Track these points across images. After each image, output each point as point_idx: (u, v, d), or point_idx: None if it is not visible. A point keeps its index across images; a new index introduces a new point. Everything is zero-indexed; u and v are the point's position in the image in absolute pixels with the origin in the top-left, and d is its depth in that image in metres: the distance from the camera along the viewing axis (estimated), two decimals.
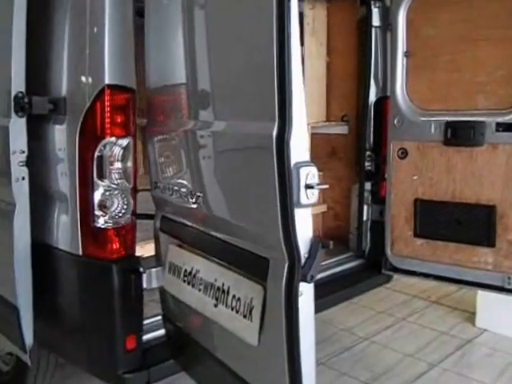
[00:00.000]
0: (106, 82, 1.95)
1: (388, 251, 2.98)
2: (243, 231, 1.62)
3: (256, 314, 1.54)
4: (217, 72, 1.74)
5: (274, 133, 1.46)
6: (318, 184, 1.49)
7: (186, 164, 1.88)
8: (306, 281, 1.46)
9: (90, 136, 2.00)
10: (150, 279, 2.11)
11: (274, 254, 1.52)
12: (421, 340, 3.65)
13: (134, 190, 2.08)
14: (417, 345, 3.58)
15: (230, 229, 1.69)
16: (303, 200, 1.46)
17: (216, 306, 1.71)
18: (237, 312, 1.61)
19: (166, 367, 2.24)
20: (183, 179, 1.89)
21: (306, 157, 1.48)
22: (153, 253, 2.32)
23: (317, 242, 1.48)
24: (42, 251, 2.21)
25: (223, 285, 1.70)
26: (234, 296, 1.64)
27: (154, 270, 2.14)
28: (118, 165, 2.02)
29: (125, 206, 2.05)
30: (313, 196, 1.48)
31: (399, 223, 2.93)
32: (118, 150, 2.01)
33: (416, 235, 2.86)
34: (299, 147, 1.46)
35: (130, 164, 2.04)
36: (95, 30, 1.97)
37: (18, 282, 2.15)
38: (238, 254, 1.66)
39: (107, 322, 2.08)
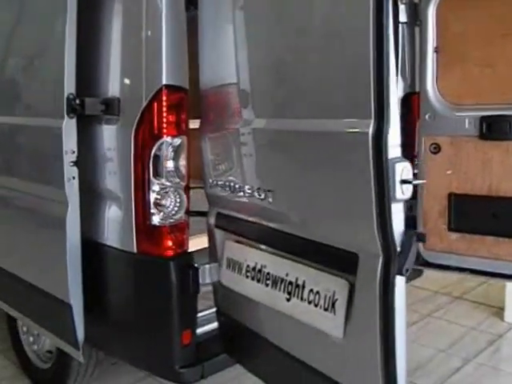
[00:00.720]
0: (164, 82, 1.97)
1: (420, 246, 2.99)
2: (325, 227, 1.63)
3: (340, 307, 1.56)
4: (298, 69, 1.72)
5: (371, 130, 1.47)
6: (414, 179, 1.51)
7: (255, 162, 1.89)
8: (401, 274, 1.48)
9: (146, 135, 2.03)
10: (205, 275, 2.14)
11: (365, 248, 1.54)
12: (450, 335, 3.67)
13: (188, 188, 2.11)
14: (447, 340, 3.59)
15: (307, 225, 1.70)
16: (398, 195, 1.48)
17: (289, 300, 1.74)
18: (316, 306, 1.64)
19: (219, 361, 2.27)
20: (250, 177, 1.90)
21: (399, 152, 1.50)
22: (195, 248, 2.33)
23: (411, 235, 1.50)
24: (90, 248, 2.23)
25: (297, 279, 1.72)
26: (311, 290, 1.66)
27: (209, 265, 2.16)
28: (172, 163, 2.05)
29: (179, 204, 2.08)
30: (407, 191, 1.50)
31: (432, 218, 2.93)
32: (173, 149, 2.04)
33: (450, 229, 2.87)
34: (394, 143, 1.48)
35: (183, 162, 2.07)
36: (152, 31, 1.99)
37: (71, 279, 2.18)
38: (316, 249, 1.67)
39: (164, 317, 2.11)
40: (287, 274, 1.77)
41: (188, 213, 2.13)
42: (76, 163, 2.13)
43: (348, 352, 1.58)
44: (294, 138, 1.71)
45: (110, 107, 2.12)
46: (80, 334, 2.23)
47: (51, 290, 2.32)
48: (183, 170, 2.08)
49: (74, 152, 2.13)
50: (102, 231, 2.29)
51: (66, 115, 2.09)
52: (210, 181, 2.09)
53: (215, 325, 2.36)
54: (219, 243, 2.12)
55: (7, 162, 2.52)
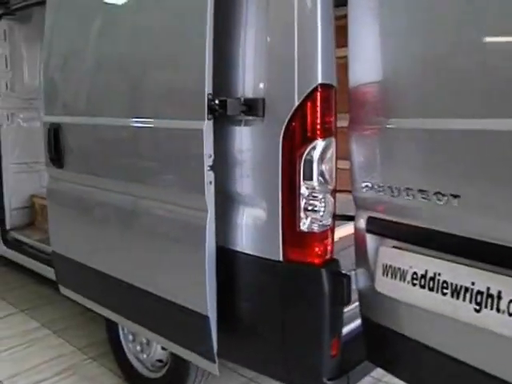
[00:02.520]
0: (319, 81, 1.87)
1: None
2: None
3: None
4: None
5: None
6: None
7: (433, 165, 1.75)
8: None
9: (298, 137, 1.94)
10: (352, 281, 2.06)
11: None
12: None
13: (335, 192, 2.02)
14: None
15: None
16: None
17: (479, 310, 1.64)
18: None
19: (361, 370, 2.21)
20: (423, 180, 1.77)
21: None
22: None
23: None
24: (222, 256, 2.14)
25: (488, 289, 1.62)
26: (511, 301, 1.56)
27: (356, 271, 2.08)
28: (323, 166, 1.95)
29: (327, 208, 1.99)
30: None
31: None
32: (324, 151, 1.94)
33: None
34: None
35: (333, 165, 1.98)
36: (306, 29, 1.88)
37: (209, 289, 2.10)
38: None
39: (313, 327, 2.02)
40: (473, 283, 1.66)
41: (334, 217, 2.04)
42: (212, 167, 2.05)
43: None
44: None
45: (254, 108, 2.02)
46: (215, 346, 2.15)
47: (184, 301, 2.24)
48: (332, 173, 1.98)
49: (210, 156, 2.04)
50: (235, 237, 2.20)
51: (206, 117, 2.00)
52: (362, 184, 1.98)
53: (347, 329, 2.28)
54: (371, 248, 2.02)
55: (135, 168, 2.41)
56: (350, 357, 2.20)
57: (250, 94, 2.06)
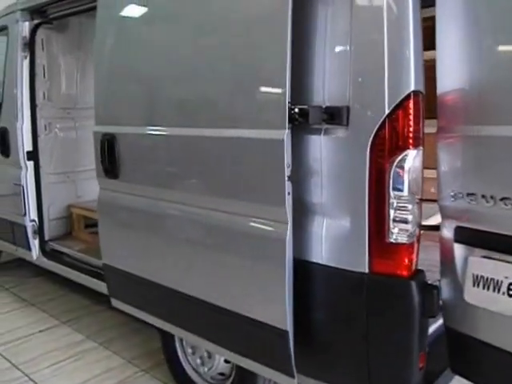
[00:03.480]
0: (412, 88, 1.83)
1: None
2: None
3: None
4: None
5: None
6: None
7: None
8: None
9: (388, 147, 1.89)
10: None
11: None
12: None
13: (421, 201, 1.97)
14: None
15: None
16: None
17: None
18: None
19: (443, 379, 2.17)
20: None
21: None
22: None
23: None
24: (299, 268, 2.10)
25: None
26: None
27: (441, 281, 2.03)
28: (412, 176, 1.90)
29: (415, 219, 1.94)
30: None
31: None
32: (414, 160, 1.89)
33: None
34: None
35: (421, 174, 1.93)
36: (397, 33, 1.84)
37: (288, 303, 2.06)
38: None
39: (402, 340, 1.98)
40: None
41: (420, 227, 1.99)
42: (290, 178, 2.00)
43: None
44: None
45: (337, 116, 1.97)
46: (293, 360, 2.11)
47: (259, 316, 2.20)
48: (420, 182, 1.94)
49: (289, 166, 2.00)
50: (313, 249, 2.15)
51: (286, 126, 1.95)
52: (451, 193, 1.93)
53: None
54: (459, 258, 1.97)
55: (205, 179, 2.36)
56: (432, 367, 2.15)
57: (331, 102, 2.01)
